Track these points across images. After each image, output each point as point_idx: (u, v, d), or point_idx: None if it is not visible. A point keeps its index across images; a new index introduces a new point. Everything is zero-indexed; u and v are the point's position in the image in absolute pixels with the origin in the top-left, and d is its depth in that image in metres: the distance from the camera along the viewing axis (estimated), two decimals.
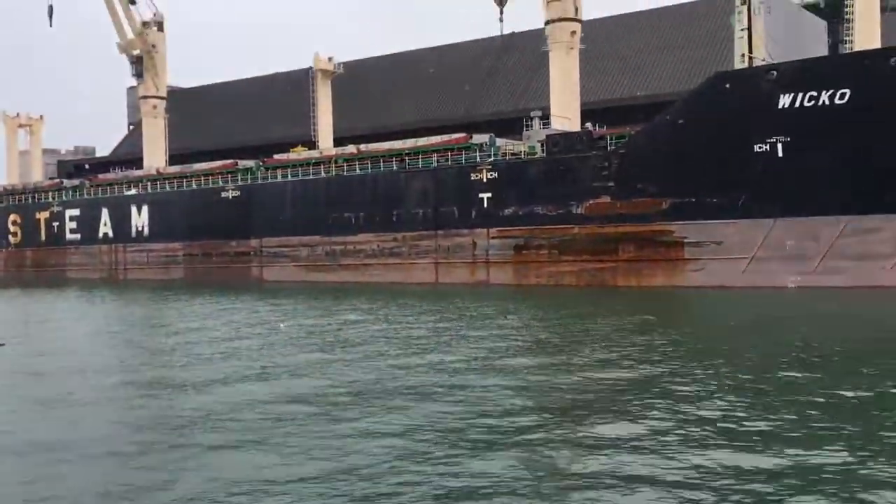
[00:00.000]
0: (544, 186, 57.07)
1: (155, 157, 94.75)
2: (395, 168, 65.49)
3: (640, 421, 16.39)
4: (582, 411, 17.62)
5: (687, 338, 29.71)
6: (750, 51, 52.04)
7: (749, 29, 52.08)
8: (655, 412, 17.12)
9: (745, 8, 52.06)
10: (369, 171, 66.88)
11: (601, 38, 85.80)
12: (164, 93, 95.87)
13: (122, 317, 45.37)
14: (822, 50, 60.63)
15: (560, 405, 18.25)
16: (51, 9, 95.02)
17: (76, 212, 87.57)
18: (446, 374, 22.04)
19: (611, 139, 55.90)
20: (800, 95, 47.75)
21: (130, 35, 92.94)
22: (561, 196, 56.22)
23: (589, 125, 61.76)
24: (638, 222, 53.17)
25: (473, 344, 27.88)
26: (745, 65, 51.73)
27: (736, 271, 49.98)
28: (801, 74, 48.33)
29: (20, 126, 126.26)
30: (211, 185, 77.35)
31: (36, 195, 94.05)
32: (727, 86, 50.35)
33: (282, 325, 35.71)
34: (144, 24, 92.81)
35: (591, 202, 55.09)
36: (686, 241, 52.01)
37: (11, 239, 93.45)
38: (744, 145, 49.26)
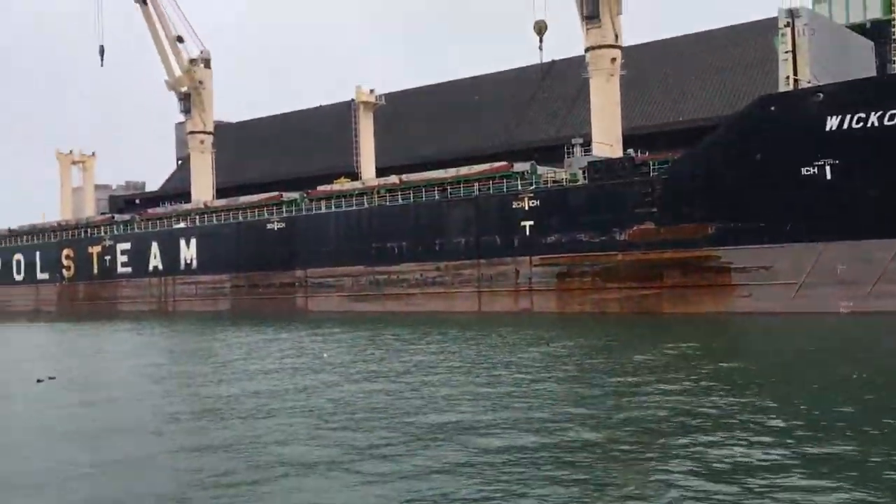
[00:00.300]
0: (587, 213, 56.77)
1: (202, 190, 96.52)
2: (436, 197, 65.75)
3: (705, 461, 15.56)
4: (633, 446, 17.06)
5: (744, 367, 28.63)
6: (795, 73, 51.36)
7: (793, 51, 51.45)
8: (721, 450, 16.16)
9: (788, 30, 51.48)
10: (411, 200, 67.24)
11: (642, 63, 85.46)
12: (210, 128, 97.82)
13: (170, 349, 45.97)
14: (870, 71, 59.59)
15: (619, 439, 17.56)
16: (102, 48, 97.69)
17: (127, 245, 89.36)
18: (491, 404, 21.80)
19: (653, 165, 55.47)
20: (847, 117, 46.92)
21: (178, 72, 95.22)
22: (604, 223, 55.84)
23: (631, 151, 61.42)
24: (683, 248, 52.51)
25: (519, 373, 27.63)
26: (791, 87, 51.06)
27: (785, 297, 49.00)
28: (849, 96, 47.52)
29: (73, 163, 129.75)
30: (257, 218, 78.44)
31: (88, 230, 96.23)
32: (772, 109, 49.71)
33: (325, 355, 35.88)
34: (192, 61, 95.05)
35: (634, 228, 54.61)
36: (733, 266, 51.19)
37: (65, 273, 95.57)
38: (791, 169, 48.50)
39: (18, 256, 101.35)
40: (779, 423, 18.61)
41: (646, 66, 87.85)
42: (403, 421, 20.06)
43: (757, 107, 51.64)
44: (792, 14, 51.60)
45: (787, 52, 51.74)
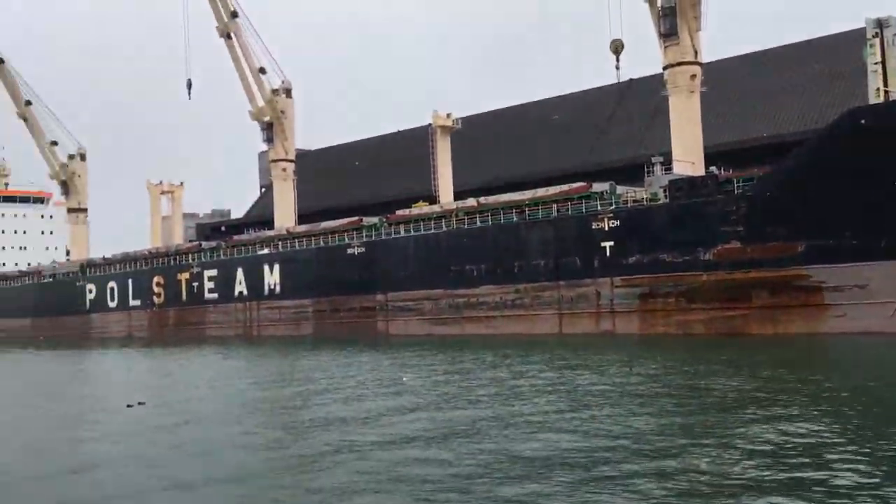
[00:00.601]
0: (669, 233, 55.69)
1: (285, 217, 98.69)
2: (515, 219, 65.54)
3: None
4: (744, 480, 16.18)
5: (853, 392, 26.88)
6: (885, 85, 49.53)
7: (883, 62, 49.65)
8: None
9: (877, 41, 49.74)
10: (489, 223, 67.18)
11: (723, 79, 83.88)
12: (292, 156, 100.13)
13: (256, 373, 46.75)
14: None
15: (729, 474, 16.43)
16: (189, 82, 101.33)
17: (214, 272, 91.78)
18: (577, 432, 21.27)
19: (737, 182, 54.10)
20: None
21: (261, 103, 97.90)
22: (687, 242, 54.66)
23: (714, 169, 60.12)
24: (771, 267, 50.96)
25: (605, 400, 27.09)
26: (881, 100, 49.23)
27: (882, 316, 46.97)
28: None
29: (162, 193, 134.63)
30: (337, 242, 79.61)
31: (177, 257, 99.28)
32: (862, 122, 47.96)
33: (405, 379, 35.99)
34: (274, 91, 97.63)
35: (719, 248, 53.29)
36: (825, 285, 49.38)
37: (156, 299, 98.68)
38: (883, 183, 46.62)
39: (112, 284, 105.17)
40: None
41: (727, 81, 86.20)
42: (482, 448, 19.80)
43: (846, 120, 49.90)
44: (880, 24, 49.87)
45: (876, 63, 50.00)
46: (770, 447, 18.41)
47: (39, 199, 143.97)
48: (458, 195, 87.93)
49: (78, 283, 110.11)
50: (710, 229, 53.72)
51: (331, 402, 30.12)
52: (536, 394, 29.16)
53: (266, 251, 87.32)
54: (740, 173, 56.03)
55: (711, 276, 53.64)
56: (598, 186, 63.13)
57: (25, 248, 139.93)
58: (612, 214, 58.73)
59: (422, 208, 78.49)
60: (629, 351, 46.46)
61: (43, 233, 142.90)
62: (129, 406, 31.11)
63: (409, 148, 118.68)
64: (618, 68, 68.02)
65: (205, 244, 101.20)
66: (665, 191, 57.60)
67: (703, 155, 66.32)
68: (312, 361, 50.03)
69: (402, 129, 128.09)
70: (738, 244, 52.53)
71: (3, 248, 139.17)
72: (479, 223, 68.16)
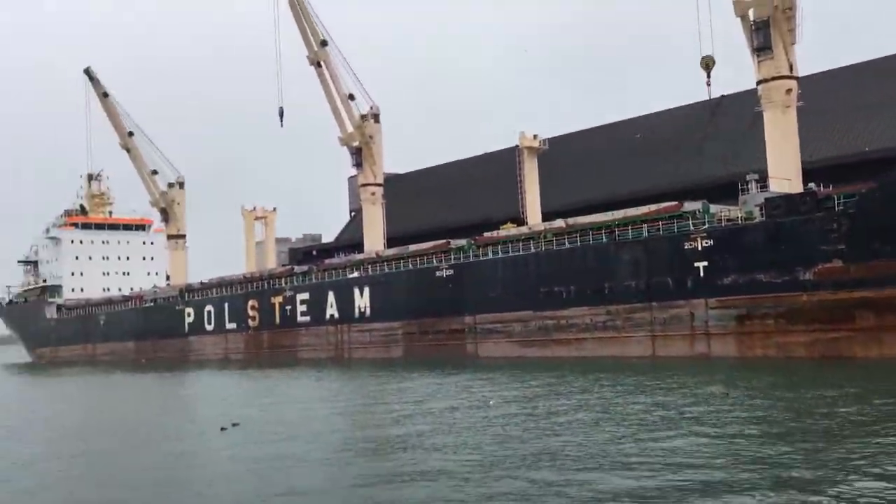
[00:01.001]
0: (766, 252, 53.92)
1: (374, 240, 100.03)
2: (604, 240, 64.66)
3: None
4: None
5: None
6: None
7: None
8: None
9: None
10: (578, 244, 66.45)
11: (820, 93, 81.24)
12: (381, 180, 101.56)
13: (348, 395, 47.31)
14: None
15: None
16: (281, 110, 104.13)
17: (306, 295, 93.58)
18: (676, 467, 20.15)
19: (839, 199, 52.02)
20: None
21: (350, 128, 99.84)
22: (785, 262, 52.80)
23: (812, 185, 58.06)
24: (876, 287, 48.70)
25: (707, 427, 26.19)
26: None
27: None
28: None
29: (256, 218, 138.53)
30: (426, 265, 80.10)
31: (270, 281, 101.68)
32: None
33: (491, 402, 35.82)
34: (362, 117, 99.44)
35: (820, 267, 51.28)
36: None
37: (251, 322, 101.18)
38: None
39: (209, 308, 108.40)
40: None
41: (825, 95, 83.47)
42: (571, 479, 19.31)
43: None
44: None
45: None
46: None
47: (141, 227, 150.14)
48: (546, 216, 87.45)
49: (177, 308, 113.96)
50: (809, 248, 51.80)
51: (419, 424, 30.16)
52: (629, 419, 28.51)
53: (356, 274, 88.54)
54: (841, 189, 53.92)
55: (812, 297, 51.62)
56: (689, 205, 61.77)
57: (128, 273, 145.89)
58: (705, 234, 57.28)
59: (509, 230, 78.31)
60: (728, 374, 45.06)
61: (144, 259, 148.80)
62: (223, 429, 31.74)
63: (497, 170, 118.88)
64: (709, 84, 66.61)
65: (297, 268, 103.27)
66: (761, 209, 55.88)
67: (800, 172, 64.17)
68: (402, 384, 50.28)
69: (488, 150, 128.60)
70: (841, 263, 50.45)
71: (108, 273, 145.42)
72: (567, 244, 67.51)
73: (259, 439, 28.98)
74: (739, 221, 57.22)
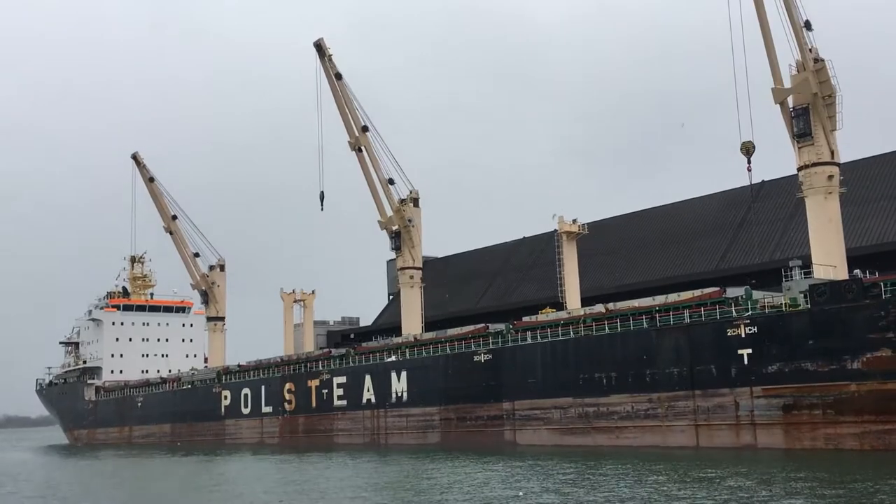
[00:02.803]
0: (812, 340, 52.67)
1: (412, 324, 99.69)
2: (645, 325, 63.74)
3: None
4: None
5: None
6: None
7: None
8: None
9: None
10: (619, 329, 65.55)
11: (863, 179, 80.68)
12: (419, 263, 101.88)
13: (388, 484, 46.38)
14: None
15: None
16: (322, 194, 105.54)
17: (343, 379, 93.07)
18: None
19: (885, 286, 50.96)
20: None
21: (389, 212, 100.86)
22: (832, 350, 51.47)
23: (857, 272, 57.01)
24: None
25: None
26: None
27: None
28: None
29: (295, 301, 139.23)
30: (464, 350, 79.42)
31: (308, 364, 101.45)
32: None
33: (520, 493, 34.94)
34: (402, 201, 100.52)
35: (868, 356, 49.87)
36: None
37: (287, 406, 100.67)
38: None
39: (246, 390, 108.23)
40: None
41: (868, 181, 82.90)
42: None
43: None
44: None
45: None
46: None
47: (181, 309, 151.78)
48: (586, 301, 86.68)
49: (214, 390, 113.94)
50: (857, 336, 50.51)
51: None
52: None
53: (393, 358, 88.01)
54: (888, 276, 52.85)
55: (862, 387, 50.06)
56: (732, 291, 60.88)
57: (167, 355, 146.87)
58: (748, 321, 56.22)
59: (548, 314, 77.65)
60: (780, 466, 43.46)
61: (184, 340, 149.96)
62: None
63: (535, 254, 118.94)
64: (749, 170, 66.31)
65: (334, 351, 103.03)
66: (805, 296, 54.86)
67: (844, 258, 63.16)
68: (438, 477, 49.21)
69: (527, 235, 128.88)
70: (890, 352, 49.05)
71: (147, 355, 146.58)
72: (607, 329, 66.64)
73: None
74: (784, 308, 56.15)
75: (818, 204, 63.06)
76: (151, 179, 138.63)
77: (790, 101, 64.14)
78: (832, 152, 62.95)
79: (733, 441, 55.90)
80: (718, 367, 57.35)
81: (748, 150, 66.06)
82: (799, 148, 63.73)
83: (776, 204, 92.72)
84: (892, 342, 49.00)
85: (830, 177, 62.96)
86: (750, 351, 55.58)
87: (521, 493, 34.86)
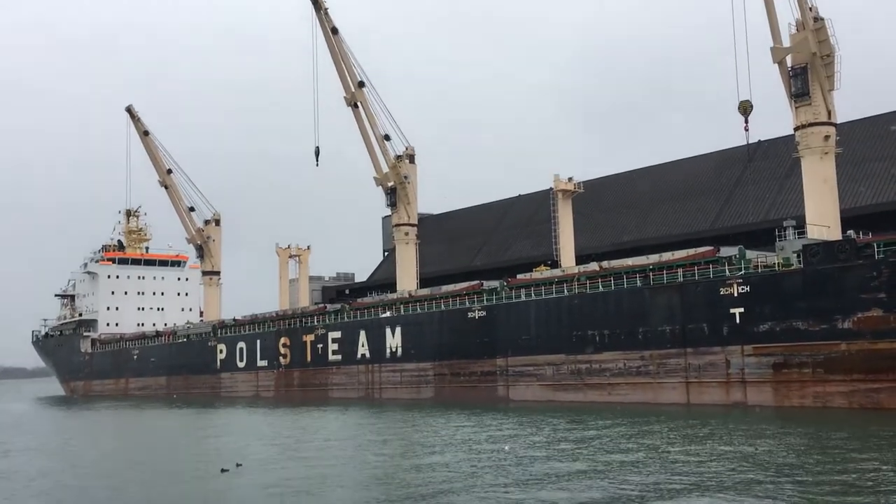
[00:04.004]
0: (804, 300, 53.06)
1: (407, 280, 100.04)
2: (639, 284, 64.11)
3: None
4: None
5: None
6: None
7: None
8: None
9: None
10: (612, 287, 65.92)
11: (859, 139, 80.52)
12: (415, 220, 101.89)
13: (368, 437, 46.96)
14: None
15: None
16: (317, 150, 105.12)
17: (337, 334, 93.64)
18: None
19: (879, 246, 51.20)
20: None
21: (385, 169, 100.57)
22: (824, 310, 51.88)
23: (851, 232, 57.26)
24: None
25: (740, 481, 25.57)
26: None
27: None
28: None
29: (290, 256, 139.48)
30: (458, 306, 79.87)
31: (303, 319, 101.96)
32: None
33: (507, 447, 35.43)
34: (397, 157, 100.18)
35: (859, 316, 50.32)
36: None
37: (282, 360, 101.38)
38: None
39: (241, 344, 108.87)
40: None
41: (863, 142, 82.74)
42: None
43: None
44: None
45: None
46: None
47: (176, 263, 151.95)
48: (580, 259, 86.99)
49: (210, 344, 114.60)
50: (849, 296, 50.89)
51: (436, 473, 29.72)
52: (658, 473, 27.89)
53: (388, 314, 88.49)
54: (881, 237, 53.06)
55: (852, 346, 50.59)
56: (725, 251, 61.14)
57: (163, 309, 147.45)
58: (741, 280, 56.57)
59: (543, 272, 77.96)
60: (772, 424, 44.08)
61: (179, 294, 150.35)
62: (223, 471, 31.15)
63: (530, 212, 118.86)
64: (746, 130, 66.11)
65: (329, 306, 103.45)
66: (799, 256, 55.14)
67: (838, 219, 63.36)
68: (432, 426, 49.82)
69: (523, 193, 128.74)
70: (881, 312, 49.46)
71: (143, 308, 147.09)
72: (601, 287, 67.02)
73: (256, 482, 28.71)
74: (776, 268, 56.48)
75: (814, 164, 63.09)
76: (146, 133, 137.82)
77: (789, 60, 63.79)
78: (829, 112, 62.79)
79: (723, 398, 56.60)
80: (710, 326, 57.85)
81: (746, 109, 65.81)
82: (796, 108, 63.55)
83: (773, 164, 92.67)
84: (883, 302, 49.38)
85: (827, 137, 62.87)
86: (742, 310, 56.02)
87: (507, 447, 35.34)
